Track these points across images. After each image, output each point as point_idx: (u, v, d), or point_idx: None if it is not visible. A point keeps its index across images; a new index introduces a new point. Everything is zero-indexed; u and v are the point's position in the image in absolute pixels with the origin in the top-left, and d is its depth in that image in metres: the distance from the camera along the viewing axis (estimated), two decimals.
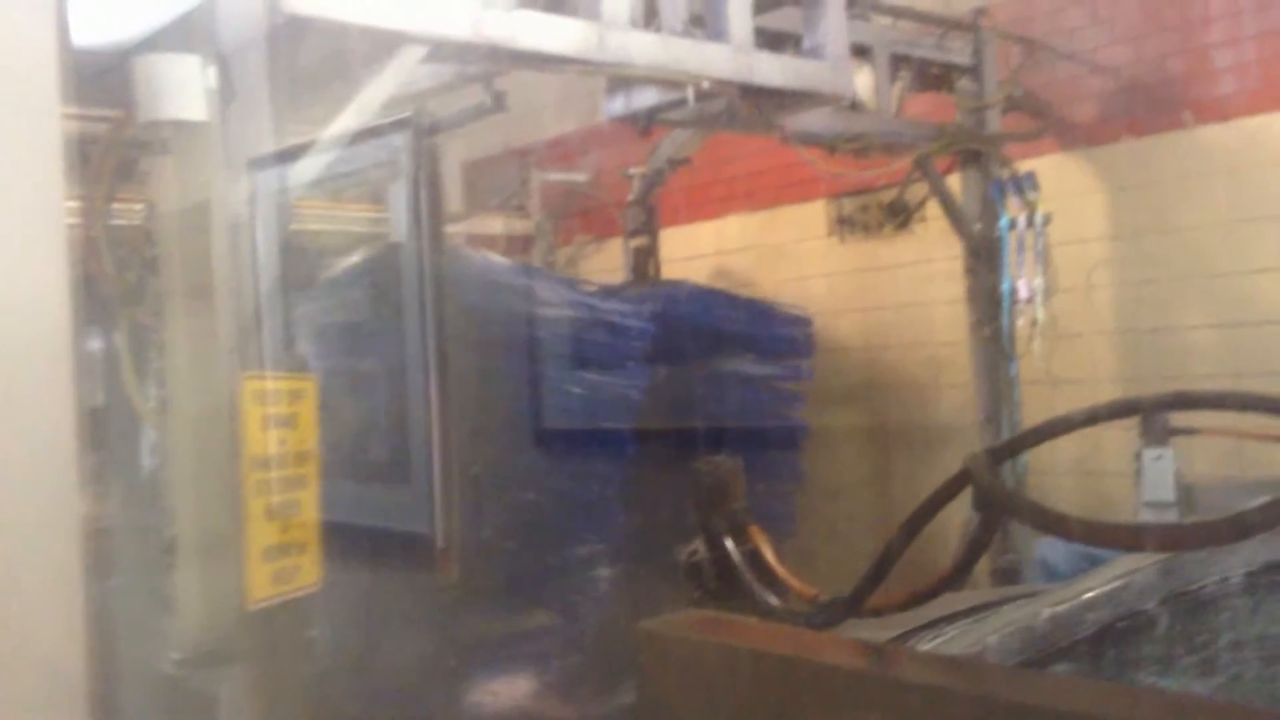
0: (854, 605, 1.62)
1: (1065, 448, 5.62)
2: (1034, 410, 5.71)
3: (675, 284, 5.75)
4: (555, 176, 8.40)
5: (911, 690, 1.33)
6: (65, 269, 1.66)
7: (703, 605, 2.36)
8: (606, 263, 8.05)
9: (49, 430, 1.56)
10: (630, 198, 6.45)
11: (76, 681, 1.56)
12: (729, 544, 2.25)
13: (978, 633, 1.82)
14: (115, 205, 3.28)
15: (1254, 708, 1.73)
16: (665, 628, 1.69)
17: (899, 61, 5.42)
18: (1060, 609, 1.80)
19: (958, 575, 1.46)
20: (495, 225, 8.39)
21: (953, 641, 1.83)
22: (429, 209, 3.24)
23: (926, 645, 1.85)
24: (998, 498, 1.14)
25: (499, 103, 3.96)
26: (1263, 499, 1.31)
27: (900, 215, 6.49)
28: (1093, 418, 1.37)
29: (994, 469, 1.25)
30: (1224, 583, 1.81)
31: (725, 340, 5.33)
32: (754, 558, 2.28)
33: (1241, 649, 1.81)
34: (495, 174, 8.62)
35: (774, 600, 2.00)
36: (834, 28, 4.40)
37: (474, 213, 8.48)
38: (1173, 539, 1.12)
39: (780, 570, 2.10)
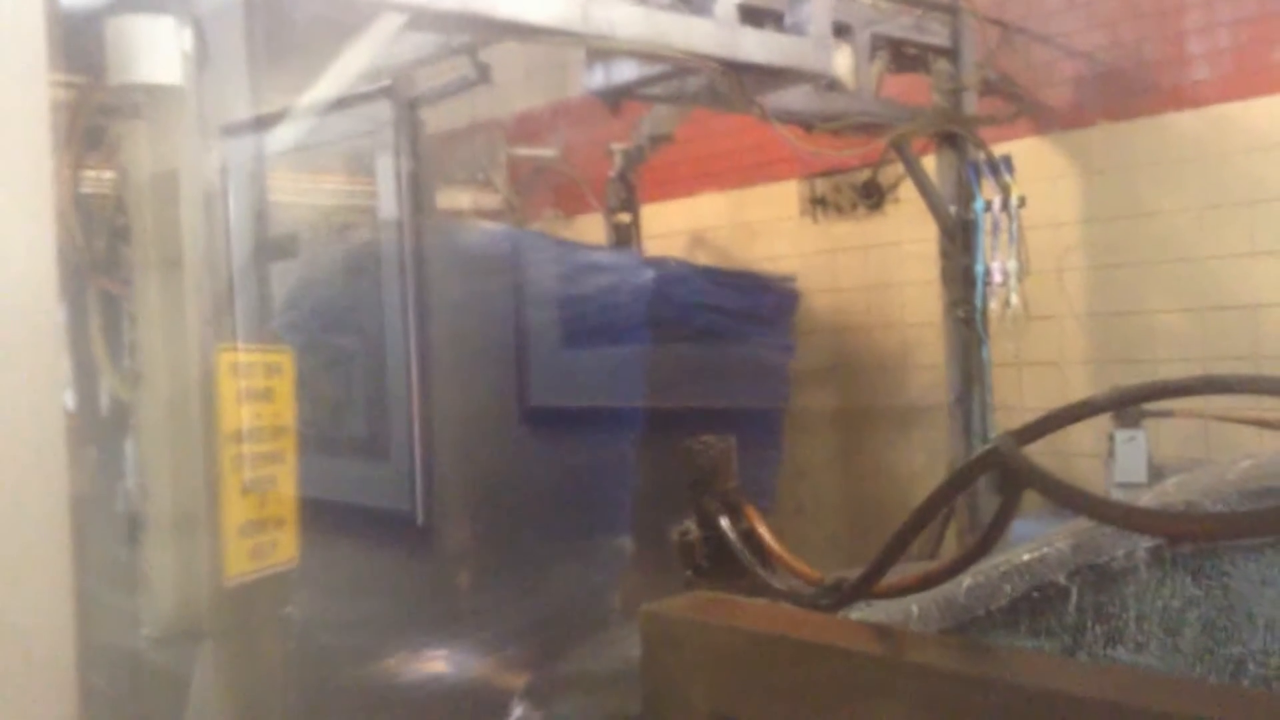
0: (864, 587, 1.60)
1: None
2: (1004, 392, 5.75)
3: (659, 260, 5.70)
4: (524, 151, 8.32)
5: (934, 676, 1.31)
6: (51, 238, 1.60)
7: (694, 586, 2.33)
8: (575, 238, 7.99)
9: (36, 402, 1.50)
10: (612, 173, 6.40)
11: (64, 659, 1.51)
12: (725, 525, 2.22)
13: (902, 602, 1.89)
14: (84, 172, 3.17)
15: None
16: (670, 609, 1.66)
17: (877, 41, 5.39)
18: (979, 580, 1.92)
19: (974, 556, 1.44)
20: (463, 199, 8.30)
21: (879, 610, 1.89)
22: (411, 180, 3.18)
23: (856, 615, 1.90)
24: (1034, 479, 1.12)
25: (484, 75, 3.90)
26: None
27: (873, 196, 6.49)
28: (1119, 400, 1.36)
29: (1021, 450, 1.23)
30: (1130, 556, 1.88)
31: (711, 314, 5.30)
32: (750, 538, 2.25)
33: (1146, 620, 1.87)
34: (462, 147, 8.51)
35: (776, 582, 1.97)
36: (817, 5, 4.37)
37: (440, 186, 8.37)
38: (1213, 528, 1.10)
39: (780, 551, 2.07)
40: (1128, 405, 1.30)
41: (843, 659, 1.43)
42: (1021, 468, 1.18)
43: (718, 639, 1.56)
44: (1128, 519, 1.12)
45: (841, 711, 1.40)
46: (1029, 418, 1.50)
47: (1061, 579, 1.93)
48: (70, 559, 1.54)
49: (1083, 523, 2.06)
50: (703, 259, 7.22)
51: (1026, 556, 1.96)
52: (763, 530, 2.15)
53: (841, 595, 1.64)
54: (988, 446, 1.29)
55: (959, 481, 1.29)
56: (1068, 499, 1.13)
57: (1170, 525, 1.18)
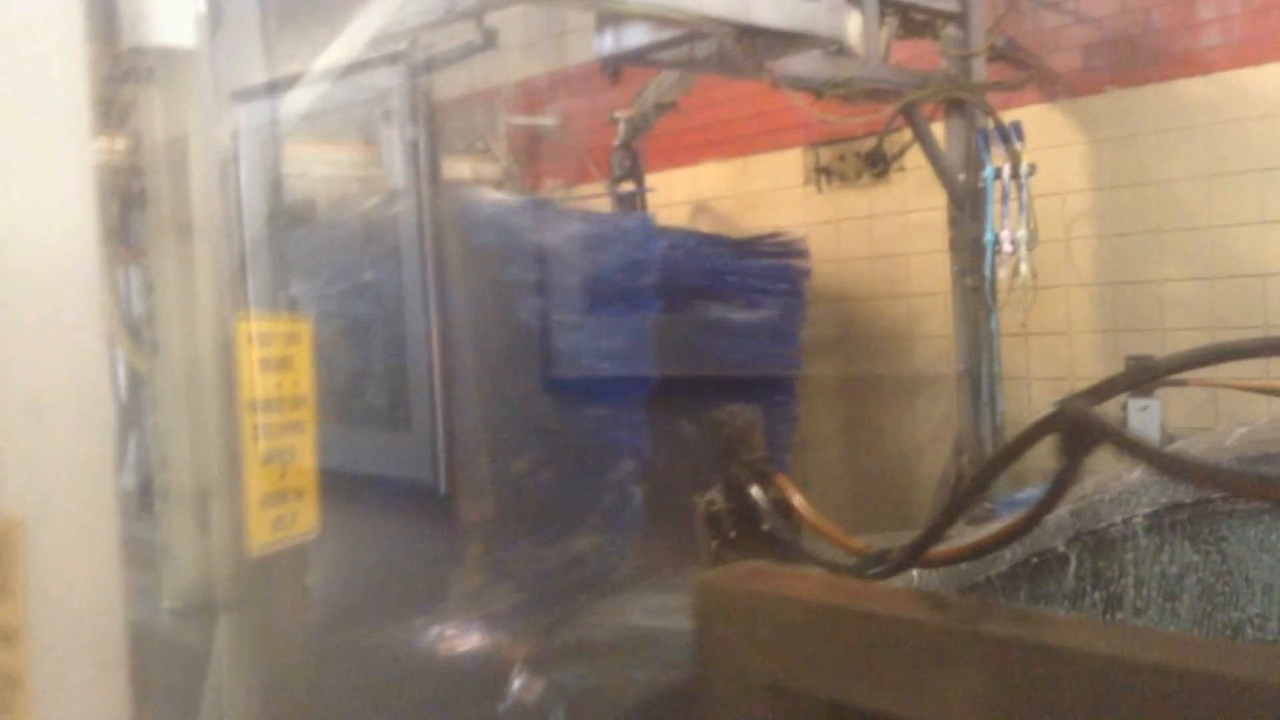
0: (914, 555, 1.58)
1: (1044, 397, 5.66)
2: (1011, 362, 5.74)
3: (672, 228, 5.66)
4: (523, 120, 8.24)
5: (1004, 645, 1.29)
6: (93, 210, 1.58)
7: (722, 556, 2.31)
8: (578, 207, 7.92)
9: (81, 381, 1.47)
10: (616, 142, 6.34)
11: (114, 630, 1.49)
12: (757, 494, 2.20)
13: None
14: (97, 139, 3.12)
15: None
16: (722, 580, 1.64)
17: (886, 7, 5.33)
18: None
19: (1030, 523, 1.42)
20: (462, 169, 8.23)
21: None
22: (425, 146, 3.14)
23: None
24: (1111, 437, 1.10)
25: (490, 41, 3.85)
26: None
27: (879, 165, 6.44)
28: (1185, 362, 1.35)
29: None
30: (1128, 523, 1.89)
31: (719, 282, 5.26)
32: (780, 507, 2.23)
33: (1144, 585, 1.89)
34: (461, 116, 8.43)
35: (818, 553, 1.96)
36: None
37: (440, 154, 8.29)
38: None
39: (819, 520, 2.06)
40: (1193, 368, 1.29)
41: (907, 628, 1.41)
42: (1096, 425, 1.16)
43: (774, 610, 1.54)
44: (1216, 481, 1.10)
45: (904, 681, 1.39)
46: (1036, 388, 1.50)
47: (1061, 545, 1.96)
48: (118, 539, 1.52)
49: (1082, 490, 2.07)
50: (706, 229, 7.17)
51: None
52: (798, 499, 2.13)
53: (893, 564, 1.62)
54: (1053, 409, 1.27)
55: (1017, 447, 1.28)
56: (1150, 458, 1.11)
57: (1255, 488, 1.17)
